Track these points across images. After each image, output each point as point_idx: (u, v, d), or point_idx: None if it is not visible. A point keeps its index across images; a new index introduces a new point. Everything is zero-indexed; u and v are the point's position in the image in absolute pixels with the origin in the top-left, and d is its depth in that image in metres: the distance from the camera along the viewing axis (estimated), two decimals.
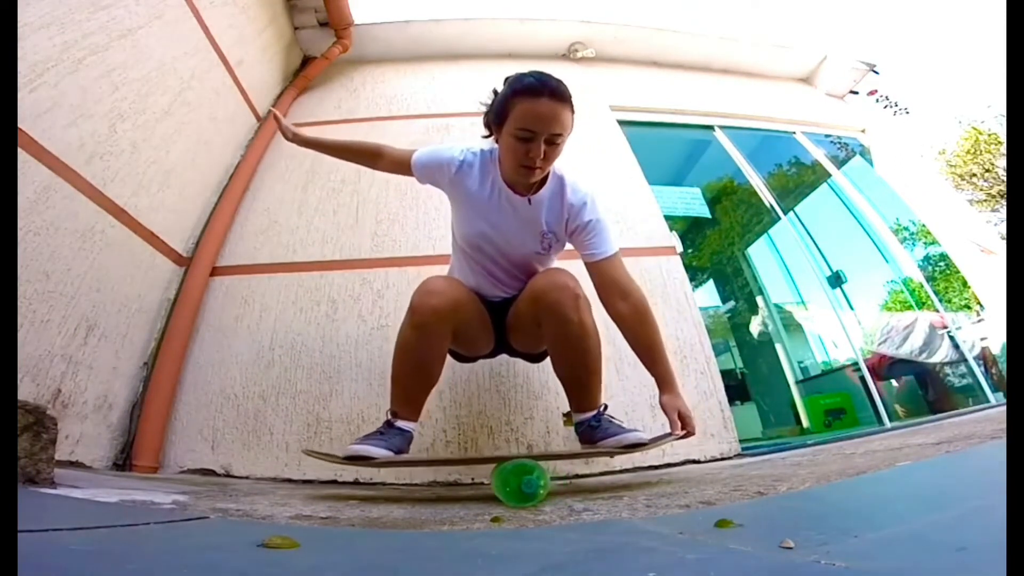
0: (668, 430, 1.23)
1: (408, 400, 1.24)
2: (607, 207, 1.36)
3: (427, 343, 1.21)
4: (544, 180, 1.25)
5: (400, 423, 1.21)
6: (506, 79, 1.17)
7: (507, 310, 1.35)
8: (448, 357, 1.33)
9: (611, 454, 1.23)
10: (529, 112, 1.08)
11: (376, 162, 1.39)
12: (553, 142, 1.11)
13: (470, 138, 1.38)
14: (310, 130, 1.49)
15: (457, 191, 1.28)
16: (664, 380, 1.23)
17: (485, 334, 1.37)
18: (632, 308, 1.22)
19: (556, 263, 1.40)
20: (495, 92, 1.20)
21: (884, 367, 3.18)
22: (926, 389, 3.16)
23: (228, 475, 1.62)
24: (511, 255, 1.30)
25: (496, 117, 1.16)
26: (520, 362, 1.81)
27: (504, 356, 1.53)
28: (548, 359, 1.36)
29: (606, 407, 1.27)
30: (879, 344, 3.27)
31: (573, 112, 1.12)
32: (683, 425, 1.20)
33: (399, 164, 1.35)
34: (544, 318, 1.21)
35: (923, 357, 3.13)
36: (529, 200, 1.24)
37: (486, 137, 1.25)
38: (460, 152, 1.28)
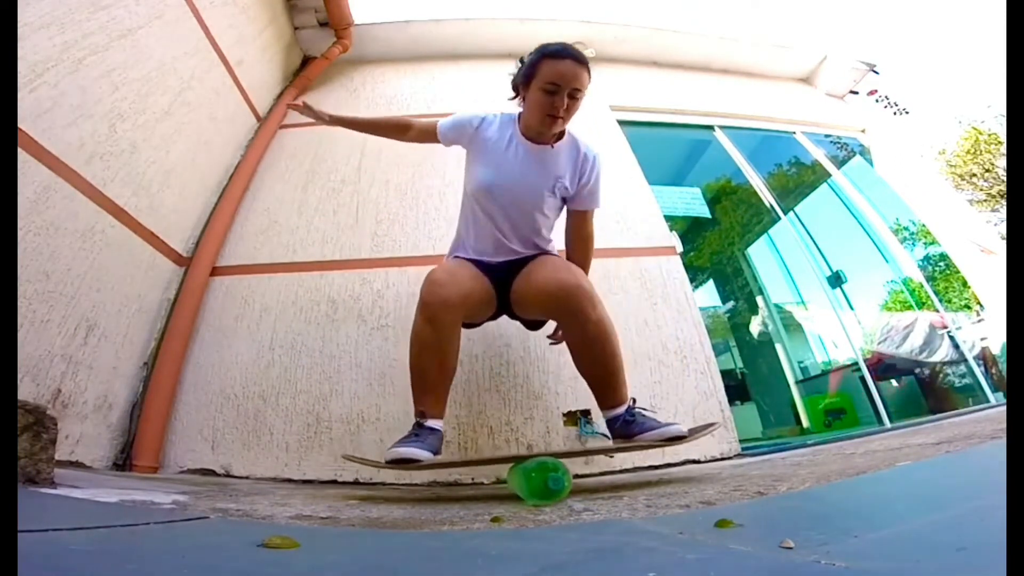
0: (702, 423, 1.25)
1: (432, 394, 1.26)
2: (607, 205, 1.44)
3: (443, 333, 1.25)
4: (561, 135, 1.40)
5: (430, 422, 1.22)
6: (533, 51, 1.34)
7: (508, 275, 1.40)
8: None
9: (652, 447, 1.23)
10: (555, 69, 1.26)
11: (404, 134, 1.55)
12: (574, 96, 1.28)
13: None
14: (311, 130, 1.51)
15: (476, 142, 1.43)
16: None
17: (489, 307, 1.43)
18: (584, 250, 1.48)
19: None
20: (521, 61, 1.37)
21: (879, 367, 3.18)
22: (924, 392, 3.16)
23: (228, 475, 1.62)
24: (520, 202, 1.38)
25: (524, 78, 1.33)
26: (520, 362, 1.81)
27: (505, 359, 1.54)
28: (542, 328, 1.52)
29: (635, 401, 1.28)
30: (879, 344, 3.27)
31: (590, 75, 1.29)
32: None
33: (426, 133, 1.51)
34: (563, 320, 1.30)
35: (923, 356, 3.13)
36: (552, 145, 1.38)
37: (512, 99, 1.41)
38: (482, 113, 1.46)
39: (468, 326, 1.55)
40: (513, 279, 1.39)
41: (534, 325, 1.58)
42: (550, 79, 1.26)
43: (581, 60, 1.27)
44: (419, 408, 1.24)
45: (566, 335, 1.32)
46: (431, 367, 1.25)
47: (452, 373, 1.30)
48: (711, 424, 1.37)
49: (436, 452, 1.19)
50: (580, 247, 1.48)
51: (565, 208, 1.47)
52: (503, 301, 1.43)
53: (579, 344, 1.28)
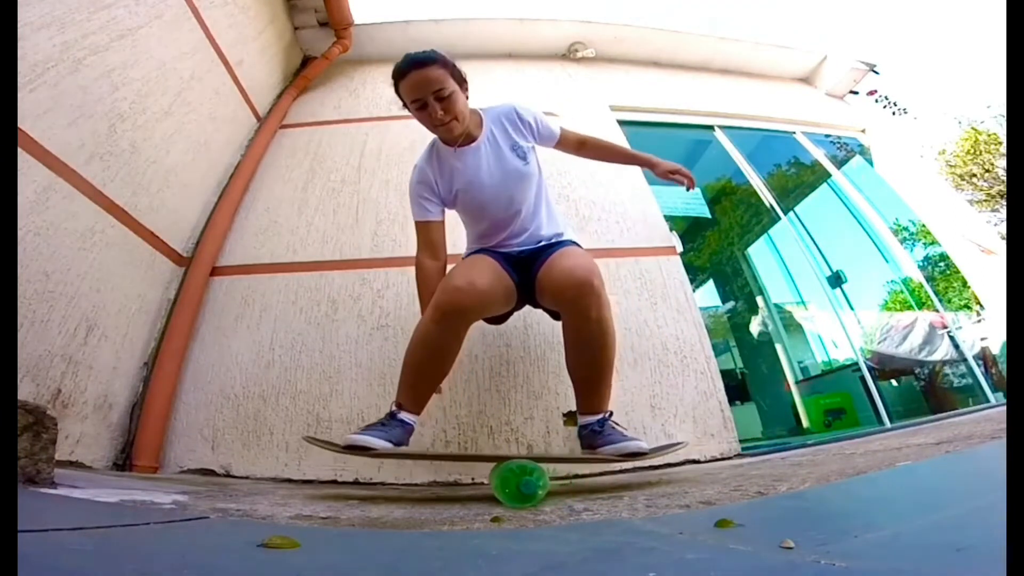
0: (670, 440, 1.26)
1: (416, 391, 1.25)
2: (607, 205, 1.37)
3: (448, 337, 1.23)
4: (480, 123, 1.40)
5: (403, 415, 1.22)
6: None
7: (530, 264, 1.37)
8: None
9: (609, 461, 1.23)
10: (406, 88, 1.27)
11: (436, 269, 1.39)
12: (442, 97, 1.25)
13: None
14: (311, 130, 1.47)
15: (440, 183, 1.39)
16: (647, 161, 1.57)
17: (509, 301, 1.39)
18: (586, 144, 1.57)
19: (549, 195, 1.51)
20: None
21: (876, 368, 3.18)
22: (924, 392, 3.16)
23: (228, 475, 1.62)
24: (498, 199, 1.38)
25: (404, 108, 1.34)
26: (520, 362, 1.82)
27: (505, 359, 1.53)
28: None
29: (611, 413, 1.28)
30: (878, 343, 3.27)
31: (448, 66, 1.27)
32: (682, 173, 1.49)
33: (433, 243, 1.40)
34: (564, 311, 1.27)
35: (923, 355, 3.13)
36: (476, 140, 1.37)
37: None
38: (416, 164, 1.44)
39: (492, 321, 1.56)
40: (536, 267, 1.35)
41: (559, 315, 1.55)
42: (409, 99, 1.28)
43: (423, 62, 1.24)
44: (399, 400, 1.24)
45: (564, 329, 1.29)
46: (427, 368, 1.25)
47: (444, 376, 1.29)
48: (676, 443, 1.38)
49: (399, 444, 1.18)
50: (589, 148, 1.56)
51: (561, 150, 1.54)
52: (526, 291, 1.39)
53: (574, 341, 1.26)
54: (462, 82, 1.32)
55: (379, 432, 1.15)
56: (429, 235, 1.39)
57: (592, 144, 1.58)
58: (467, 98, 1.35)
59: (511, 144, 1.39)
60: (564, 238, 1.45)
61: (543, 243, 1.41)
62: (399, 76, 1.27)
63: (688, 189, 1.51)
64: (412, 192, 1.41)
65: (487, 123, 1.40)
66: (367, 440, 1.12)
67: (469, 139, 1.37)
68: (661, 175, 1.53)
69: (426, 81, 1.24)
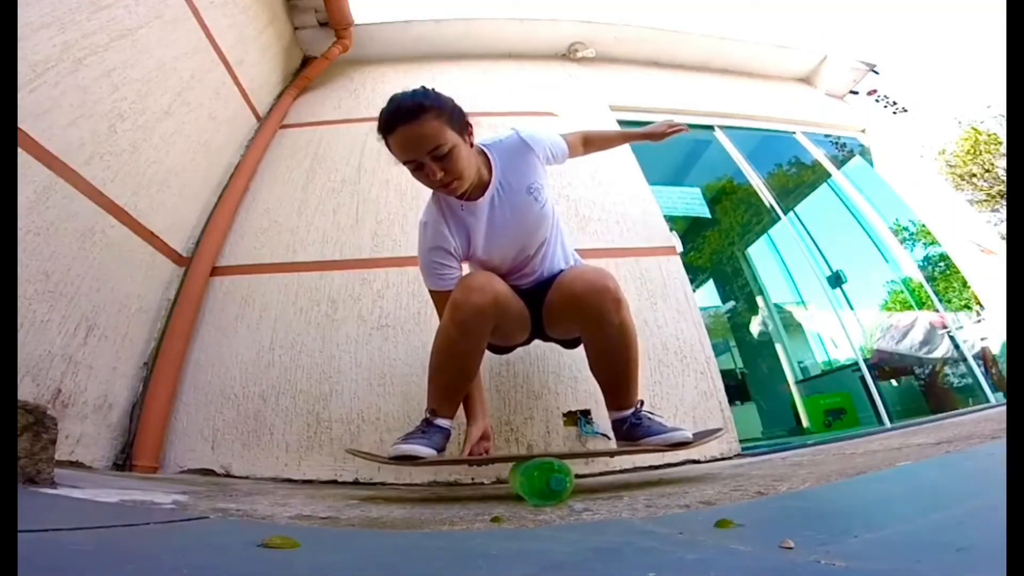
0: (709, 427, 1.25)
1: (447, 397, 1.24)
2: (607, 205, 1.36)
3: (470, 340, 1.19)
4: (489, 164, 1.24)
5: (439, 421, 1.21)
6: None
7: (539, 297, 1.32)
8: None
9: (656, 451, 1.23)
10: (396, 147, 1.09)
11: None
12: (439, 156, 1.07)
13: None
14: (311, 130, 1.45)
15: (455, 242, 1.25)
16: (638, 135, 1.60)
17: (522, 325, 1.35)
18: (593, 138, 1.55)
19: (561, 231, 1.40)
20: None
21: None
22: (924, 392, 3.16)
23: (228, 475, 1.62)
24: (516, 245, 1.29)
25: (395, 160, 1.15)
26: (520, 362, 1.81)
27: (505, 359, 1.51)
28: (579, 347, 1.38)
29: (643, 403, 1.26)
30: (878, 342, 3.27)
31: (445, 113, 1.09)
32: (676, 126, 1.54)
33: (446, 300, 1.23)
34: (584, 322, 1.23)
35: (923, 352, 3.13)
36: (498, 186, 1.24)
37: None
38: (424, 222, 1.28)
39: (500, 351, 1.52)
40: (543, 298, 1.30)
41: (570, 344, 1.50)
42: (402, 160, 1.10)
43: (413, 114, 1.05)
44: (431, 406, 1.23)
45: (585, 338, 1.26)
46: (452, 371, 1.22)
47: (472, 379, 1.27)
48: (716, 430, 1.37)
49: (441, 450, 1.19)
50: (593, 143, 1.54)
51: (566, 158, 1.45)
52: (536, 324, 1.36)
53: (599, 348, 1.24)
54: (464, 128, 1.14)
55: (422, 440, 1.15)
56: (445, 301, 1.22)
57: (594, 138, 1.55)
58: (472, 145, 1.19)
59: (526, 185, 1.26)
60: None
61: (555, 275, 1.33)
62: (385, 131, 1.09)
63: (683, 132, 1.57)
64: (425, 260, 1.26)
65: (496, 164, 1.25)
66: (415, 449, 1.12)
67: (480, 188, 1.23)
68: (660, 138, 1.55)
69: (418, 139, 1.06)
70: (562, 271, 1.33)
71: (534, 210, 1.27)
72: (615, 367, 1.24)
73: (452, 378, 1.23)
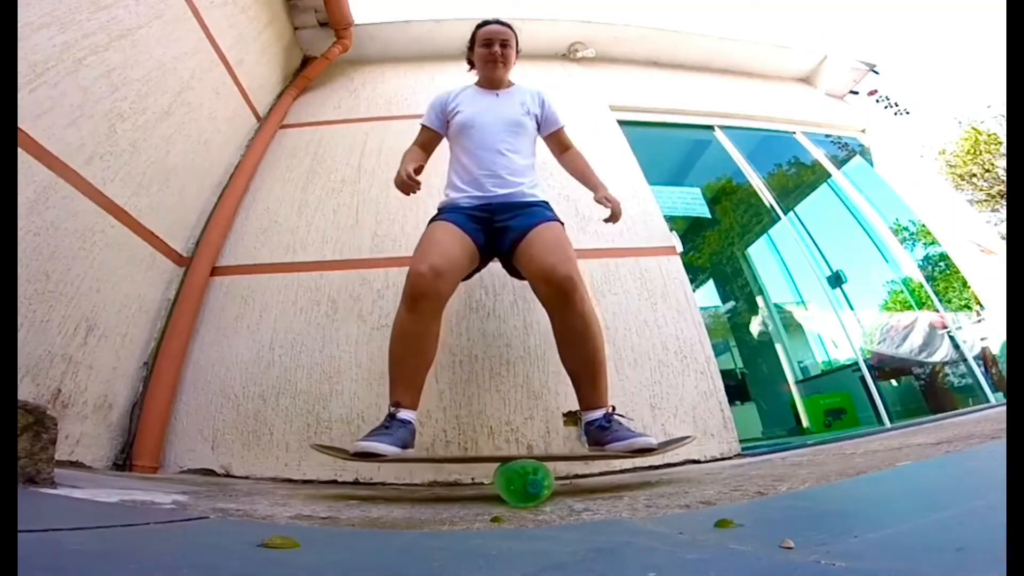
0: (675, 435, 1.26)
1: (407, 384, 1.29)
2: None
3: (422, 323, 1.31)
4: (511, 88, 1.75)
5: (403, 414, 1.23)
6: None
7: (492, 220, 1.48)
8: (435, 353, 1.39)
9: (618, 457, 1.23)
10: (485, 32, 1.71)
11: (426, 154, 1.71)
12: (505, 45, 1.69)
13: None
14: (311, 130, 1.48)
15: (452, 105, 1.69)
16: (596, 186, 1.66)
17: (471, 265, 1.49)
18: (574, 160, 1.76)
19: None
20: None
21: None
22: (924, 392, 3.16)
23: (228, 475, 1.62)
24: (491, 135, 1.57)
25: (469, 48, 1.76)
26: (520, 362, 1.82)
27: (505, 359, 1.51)
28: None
29: (615, 408, 1.28)
30: (878, 343, 3.27)
31: (515, 35, 1.73)
32: (611, 203, 1.57)
33: (425, 139, 1.72)
34: (549, 307, 1.35)
35: (923, 356, 3.13)
36: (505, 87, 1.74)
37: (469, 71, 1.81)
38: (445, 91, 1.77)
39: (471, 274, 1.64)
40: (499, 222, 1.47)
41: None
42: (483, 38, 1.70)
43: (504, 23, 1.72)
44: (394, 398, 1.26)
45: (552, 323, 1.37)
46: (408, 356, 1.30)
47: (429, 364, 1.34)
48: (684, 438, 1.39)
49: (406, 446, 1.19)
50: (571, 161, 1.76)
51: (548, 145, 1.78)
52: (488, 248, 1.50)
53: (562, 334, 1.34)
54: (517, 52, 1.76)
55: (385, 436, 1.16)
56: (423, 137, 1.71)
57: (573, 154, 1.77)
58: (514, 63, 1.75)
59: (520, 101, 1.69)
60: (540, 202, 1.55)
61: (519, 201, 1.51)
62: (483, 25, 1.73)
63: (611, 221, 1.59)
64: (431, 103, 1.75)
65: (515, 87, 1.76)
66: (376, 446, 1.13)
67: (500, 85, 1.72)
68: (597, 200, 1.62)
69: (500, 31, 1.70)
70: (535, 203, 1.52)
71: (518, 112, 1.66)
72: (578, 358, 1.32)
73: (411, 365, 1.30)
